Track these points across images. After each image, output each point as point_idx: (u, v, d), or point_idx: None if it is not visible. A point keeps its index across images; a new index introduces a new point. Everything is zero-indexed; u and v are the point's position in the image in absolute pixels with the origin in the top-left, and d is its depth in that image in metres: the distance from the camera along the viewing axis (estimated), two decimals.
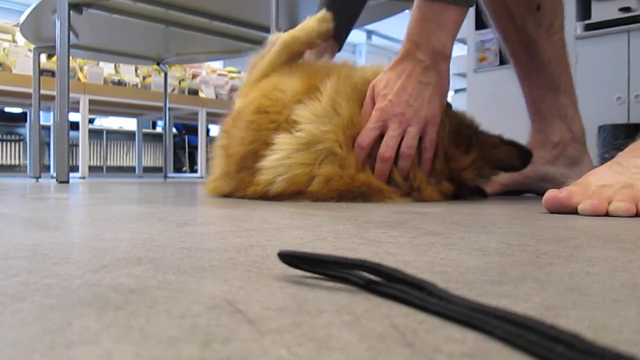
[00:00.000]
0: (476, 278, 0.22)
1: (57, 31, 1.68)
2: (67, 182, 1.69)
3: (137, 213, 0.55)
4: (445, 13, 0.75)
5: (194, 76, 4.21)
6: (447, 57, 0.77)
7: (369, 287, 0.19)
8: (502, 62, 2.45)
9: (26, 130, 4.11)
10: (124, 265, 0.24)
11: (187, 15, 1.91)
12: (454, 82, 4.82)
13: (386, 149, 0.74)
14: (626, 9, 2.24)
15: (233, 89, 4.26)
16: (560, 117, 0.98)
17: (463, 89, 3.50)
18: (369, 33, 8.19)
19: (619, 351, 0.11)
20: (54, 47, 1.72)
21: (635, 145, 0.62)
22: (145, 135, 4.75)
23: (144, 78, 3.81)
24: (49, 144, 4.04)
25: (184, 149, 5.87)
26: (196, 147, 4.36)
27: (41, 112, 2.57)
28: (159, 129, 5.50)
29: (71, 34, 1.77)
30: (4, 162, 4.80)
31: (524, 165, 0.84)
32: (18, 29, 2.71)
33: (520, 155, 0.83)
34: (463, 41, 2.77)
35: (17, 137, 4.85)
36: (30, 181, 2.13)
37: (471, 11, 2.70)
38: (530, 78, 0.99)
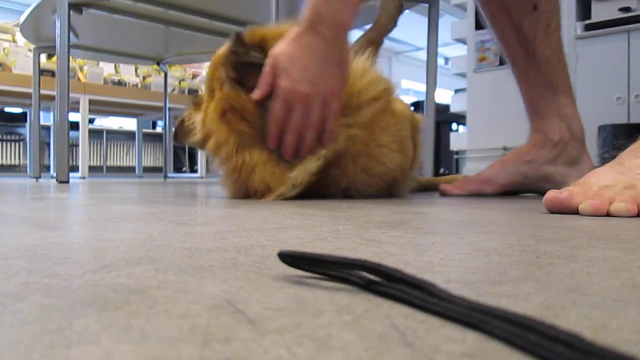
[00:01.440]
0: (476, 278, 0.22)
1: (57, 31, 1.68)
2: (67, 182, 1.69)
3: (137, 213, 0.55)
4: None
5: (194, 76, 4.21)
6: (347, 28, 0.78)
7: (369, 287, 0.19)
8: (502, 62, 2.45)
9: (26, 130, 4.11)
10: (124, 265, 0.24)
11: (187, 15, 1.91)
12: (454, 82, 4.83)
13: (291, 133, 0.77)
14: (626, 9, 2.24)
15: None
16: (560, 116, 0.98)
17: (463, 89, 3.50)
18: None
19: (619, 351, 0.11)
20: (54, 47, 1.72)
21: (637, 145, 0.62)
22: (145, 135, 4.74)
23: (144, 78, 3.81)
24: (49, 144, 4.04)
25: (184, 149, 5.86)
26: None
27: (41, 112, 2.57)
28: (159, 129, 5.50)
29: (71, 34, 1.76)
30: (4, 162, 4.80)
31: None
32: (18, 29, 2.71)
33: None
34: (463, 41, 2.77)
35: (17, 137, 4.85)
36: (30, 181, 2.13)
37: (470, 11, 2.70)
38: (529, 78, 0.99)
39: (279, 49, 0.77)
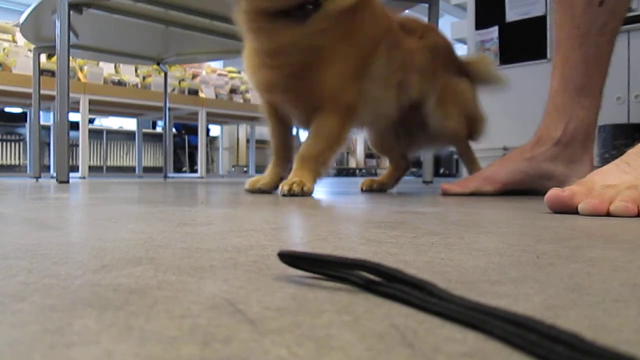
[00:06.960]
0: (476, 278, 0.22)
1: (57, 31, 1.68)
2: (67, 182, 1.69)
3: (137, 213, 0.55)
4: None
5: (194, 76, 4.21)
6: None
7: (369, 287, 0.19)
8: (502, 62, 2.45)
9: (26, 130, 4.11)
10: (124, 265, 0.24)
11: (187, 15, 1.91)
12: None
13: None
14: None
15: (233, 89, 4.26)
16: (571, 115, 0.96)
17: None
18: None
19: (619, 351, 0.11)
20: (54, 47, 1.72)
21: None
22: (145, 135, 4.74)
23: (144, 78, 3.80)
24: (49, 144, 4.04)
25: (184, 149, 5.87)
26: (196, 147, 4.35)
27: (41, 112, 2.57)
28: (159, 129, 5.50)
29: (71, 34, 1.76)
30: (4, 162, 4.80)
31: None
32: (18, 29, 2.71)
33: None
34: (463, 41, 2.77)
35: (17, 137, 4.86)
36: (30, 181, 2.13)
37: (470, 11, 2.70)
38: (563, 69, 0.96)
39: None
